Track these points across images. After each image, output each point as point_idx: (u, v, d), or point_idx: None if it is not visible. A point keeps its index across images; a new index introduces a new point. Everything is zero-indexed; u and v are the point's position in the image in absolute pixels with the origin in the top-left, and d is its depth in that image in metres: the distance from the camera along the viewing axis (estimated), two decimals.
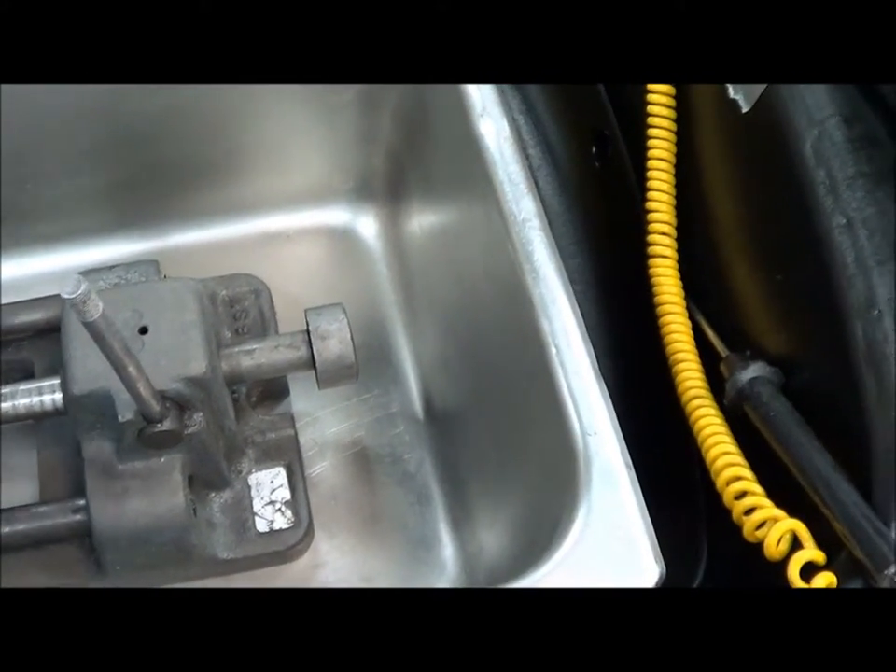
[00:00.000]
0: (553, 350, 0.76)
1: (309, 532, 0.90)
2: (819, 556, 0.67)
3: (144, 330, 0.80)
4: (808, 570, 0.66)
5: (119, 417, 0.78)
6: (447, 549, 0.94)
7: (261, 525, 0.89)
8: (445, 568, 0.93)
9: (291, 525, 0.89)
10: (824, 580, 0.64)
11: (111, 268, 0.91)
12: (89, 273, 0.90)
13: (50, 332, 0.88)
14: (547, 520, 0.74)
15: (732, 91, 0.77)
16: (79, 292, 0.60)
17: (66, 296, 0.60)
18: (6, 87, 0.90)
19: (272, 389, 0.94)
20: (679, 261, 0.85)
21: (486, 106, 0.86)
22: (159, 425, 0.78)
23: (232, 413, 0.87)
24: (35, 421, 0.89)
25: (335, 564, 0.93)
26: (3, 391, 0.85)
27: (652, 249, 0.85)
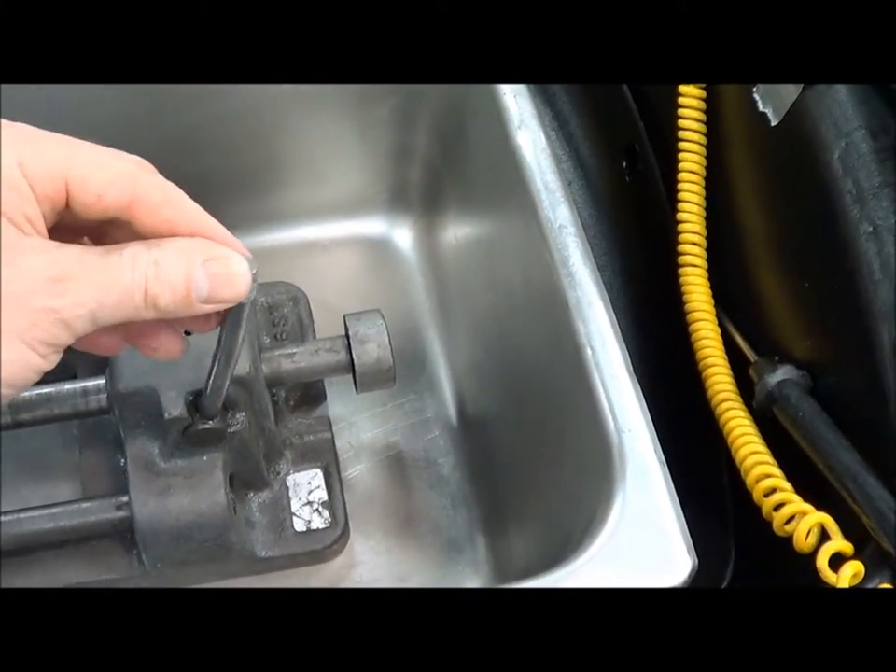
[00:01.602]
0: (589, 351, 0.77)
1: (345, 532, 0.91)
2: (847, 547, 0.68)
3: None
4: (836, 561, 0.68)
5: (165, 414, 0.79)
6: (480, 550, 0.95)
7: (299, 525, 0.90)
8: (478, 569, 0.94)
9: (328, 525, 0.91)
10: (852, 568, 0.66)
11: None
12: None
13: None
14: (581, 516, 0.75)
15: (761, 104, 0.79)
16: (255, 271, 0.60)
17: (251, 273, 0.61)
18: (45, 95, 0.92)
19: (309, 393, 0.96)
20: (708, 270, 0.86)
21: (524, 118, 0.88)
22: (205, 422, 0.80)
23: (272, 415, 0.89)
24: (77, 419, 0.91)
25: (370, 564, 0.94)
26: (48, 391, 0.86)
27: (683, 258, 0.87)
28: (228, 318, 0.65)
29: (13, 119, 0.59)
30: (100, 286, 0.56)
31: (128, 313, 0.57)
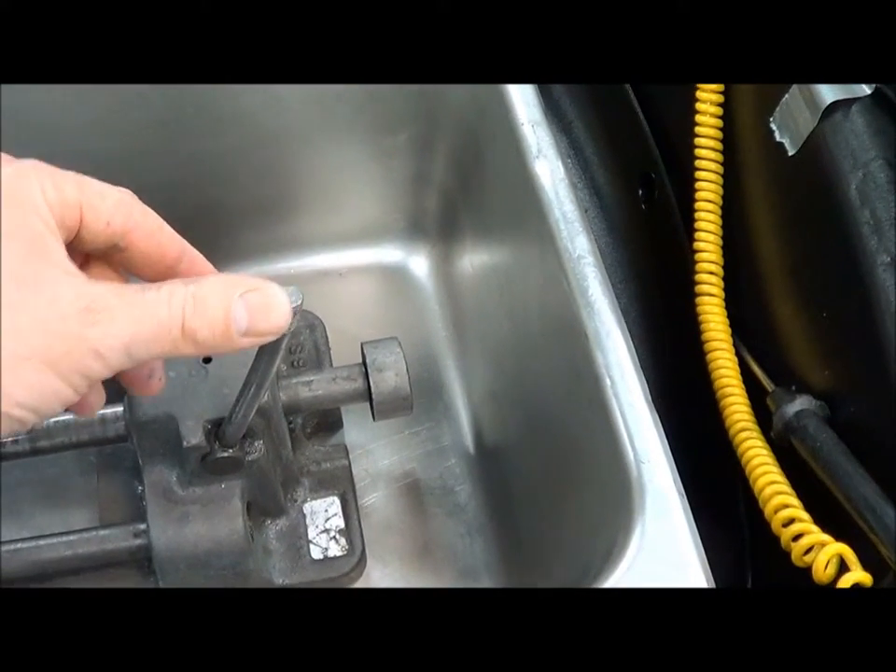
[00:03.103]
0: (608, 381, 0.77)
1: (362, 560, 0.91)
2: (866, 578, 0.68)
3: (207, 359, 0.81)
4: None
5: (184, 443, 0.79)
6: (496, 579, 0.95)
7: (316, 553, 0.91)
8: None
9: (345, 552, 0.91)
10: None
11: None
12: None
13: None
14: (600, 546, 0.75)
15: (778, 134, 0.79)
16: (300, 303, 0.60)
17: (290, 305, 0.60)
18: (60, 128, 0.93)
19: (326, 421, 0.96)
20: (725, 299, 0.87)
21: (542, 148, 0.88)
22: (222, 450, 0.80)
23: (289, 443, 0.89)
24: (95, 447, 0.91)
25: None
26: (66, 419, 0.86)
27: (700, 288, 0.87)
28: (264, 349, 0.66)
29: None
30: (135, 318, 0.56)
31: (165, 348, 0.57)
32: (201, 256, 0.65)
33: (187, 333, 0.57)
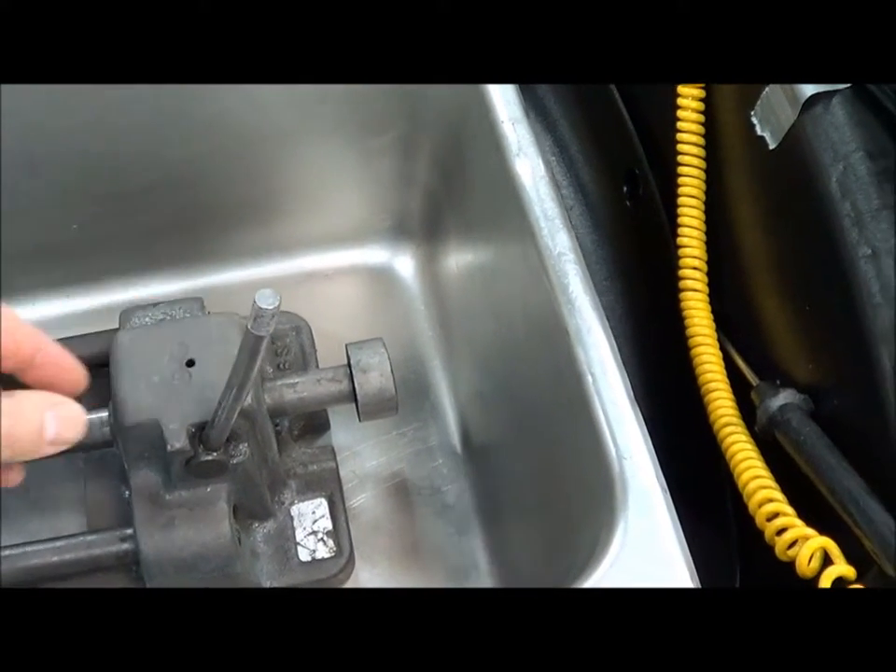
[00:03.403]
0: (590, 378, 0.77)
1: (350, 561, 0.91)
2: (849, 572, 0.68)
3: (191, 363, 0.81)
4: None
5: (168, 447, 0.79)
6: (485, 577, 0.95)
7: (304, 555, 0.90)
8: None
9: (333, 554, 0.90)
10: None
11: (156, 305, 0.91)
12: (134, 309, 0.91)
13: (96, 367, 0.89)
14: (584, 543, 0.74)
15: (759, 128, 0.79)
16: (277, 304, 0.62)
17: (266, 306, 0.62)
18: (49, 132, 0.93)
19: (313, 423, 0.95)
20: (709, 294, 0.86)
21: (522, 146, 0.88)
22: (206, 454, 0.80)
23: (275, 445, 0.89)
24: (82, 452, 0.91)
25: None
26: None
27: (684, 283, 0.87)
28: (244, 350, 0.66)
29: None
30: None
31: None
32: (58, 347, 0.72)
33: (6, 440, 0.65)
